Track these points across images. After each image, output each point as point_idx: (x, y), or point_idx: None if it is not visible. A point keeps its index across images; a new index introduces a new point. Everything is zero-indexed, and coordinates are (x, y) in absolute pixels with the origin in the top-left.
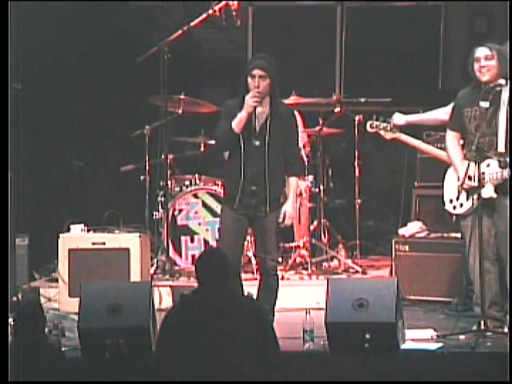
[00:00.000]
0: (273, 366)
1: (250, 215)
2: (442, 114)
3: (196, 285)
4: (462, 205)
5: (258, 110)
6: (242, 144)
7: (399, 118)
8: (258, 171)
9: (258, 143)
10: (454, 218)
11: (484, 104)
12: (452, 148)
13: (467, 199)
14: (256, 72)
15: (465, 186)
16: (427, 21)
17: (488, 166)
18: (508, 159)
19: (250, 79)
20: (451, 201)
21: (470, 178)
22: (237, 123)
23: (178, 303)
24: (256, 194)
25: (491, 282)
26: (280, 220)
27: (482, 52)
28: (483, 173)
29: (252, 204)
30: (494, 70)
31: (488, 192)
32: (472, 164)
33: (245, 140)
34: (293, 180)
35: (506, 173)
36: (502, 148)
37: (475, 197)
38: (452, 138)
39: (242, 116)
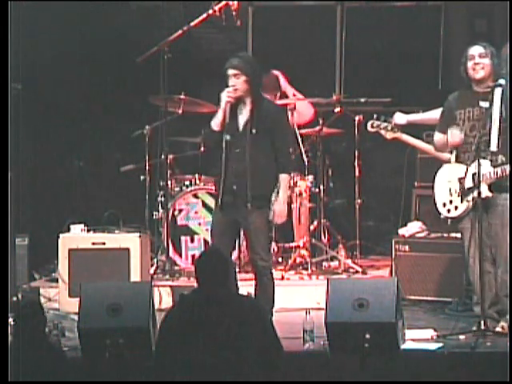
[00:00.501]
0: (274, 366)
1: (238, 214)
2: None
3: (196, 285)
4: (456, 207)
5: (241, 107)
6: (223, 142)
7: (400, 118)
8: (241, 170)
9: (240, 141)
10: (450, 221)
11: (484, 104)
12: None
13: (461, 201)
14: (230, 72)
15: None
16: (427, 21)
17: (480, 165)
18: (501, 158)
19: (228, 79)
20: (444, 204)
21: (460, 179)
22: (214, 121)
23: (178, 303)
24: (237, 193)
25: (491, 282)
26: (270, 218)
27: (476, 50)
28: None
29: (235, 203)
30: (487, 67)
31: (483, 192)
32: (467, 165)
33: (227, 138)
34: (283, 177)
35: (500, 171)
36: (494, 147)
37: (470, 198)
38: (441, 139)
39: (218, 113)
